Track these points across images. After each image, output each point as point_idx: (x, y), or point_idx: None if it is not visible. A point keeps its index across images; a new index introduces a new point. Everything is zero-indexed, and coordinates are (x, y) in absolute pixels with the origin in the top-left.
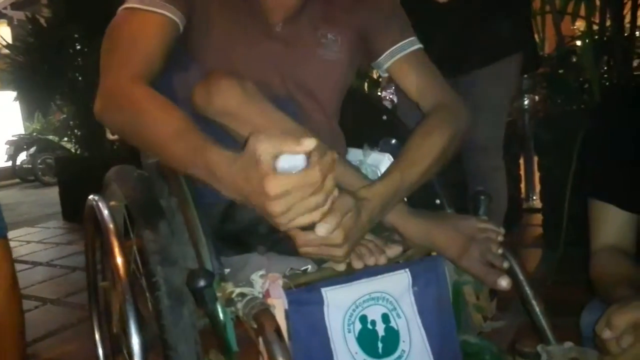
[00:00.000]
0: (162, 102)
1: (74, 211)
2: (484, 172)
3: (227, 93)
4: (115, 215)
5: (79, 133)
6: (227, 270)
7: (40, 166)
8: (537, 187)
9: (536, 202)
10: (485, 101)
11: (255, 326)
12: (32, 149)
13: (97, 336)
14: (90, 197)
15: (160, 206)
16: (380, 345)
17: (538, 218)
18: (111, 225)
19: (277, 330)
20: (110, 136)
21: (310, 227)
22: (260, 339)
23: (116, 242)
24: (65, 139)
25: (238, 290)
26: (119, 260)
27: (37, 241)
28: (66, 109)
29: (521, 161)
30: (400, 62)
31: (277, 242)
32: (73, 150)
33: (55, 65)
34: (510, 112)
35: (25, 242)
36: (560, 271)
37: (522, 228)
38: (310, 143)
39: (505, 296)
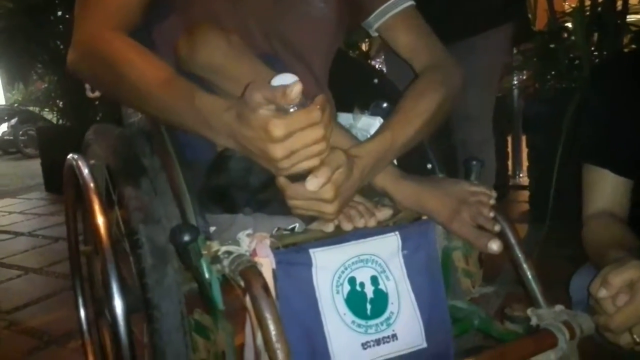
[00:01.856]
0: (144, 52)
1: (57, 182)
2: (473, 143)
3: (213, 46)
4: (97, 175)
5: (60, 103)
6: (212, 229)
7: (22, 138)
8: (524, 164)
9: (523, 179)
10: (474, 72)
11: (241, 283)
12: (13, 120)
13: (79, 300)
14: (70, 156)
15: (142, 164)
16: (369, 306)
17: (524, 195)
18: (92, 184)
19: (265, 286)
20: (90, 94)
21: (302, 178)
22: (247, 296)
23: (97, 201)
24: (47, 109)
25: (224, 248)
26: (100, 219)
27: (19, 212)
28: (47, 78)
29: (509, 138)
30: (392, 20)
31: (264, 202)
32: (55, 121)
33: (36, 32)
34: (499, 88)
35: (7, 212)
36: (546, 246)
37: (509, 204)
38: (296, 85)
39: (494, 265)
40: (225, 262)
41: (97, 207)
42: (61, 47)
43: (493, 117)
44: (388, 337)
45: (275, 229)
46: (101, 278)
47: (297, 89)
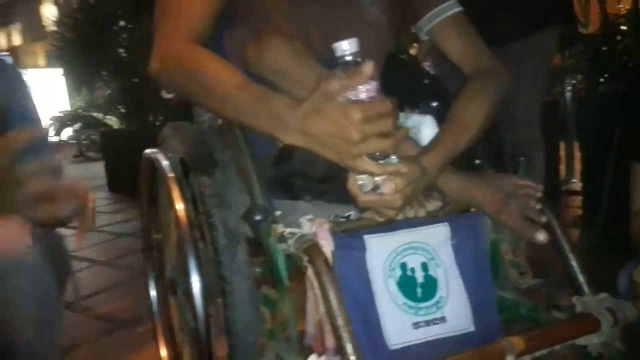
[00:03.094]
0: (219, 60)
1: (119, 183)
2: (520, 144)
3: (277, 51)
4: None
5: (122, 109)
6: (277, 213)
7: (85, 142)
8: (577, 170)
9: (576, 184)
10: (520, 74)
11: (305, 259)
12: (77, 125)
13: (151, 284)
14: (148, 150)
15: (215, 157)
16: (419, 290)
17: (577, 200)
18: (171, 174)
19: (326, 262)
20: (165, 95)
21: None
22: (310, 270)
23: (176, 189)
24: (110, 114)
25: (289, 230)
26: (180, 205)
27: None
28: (111, 85)
29: (561, 143)
30: (441, 25)
31: (323, 192)
32: (117, 126)
33: (102, 42)
34: (549, 91)
35: None
36: (599, 250)
37: (561, 210)
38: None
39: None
40: (291, 242)
41: (176, 194)
42: (124, 55)
43: (545, 122)
44: (437, 319)
45: (333, 215)
46: (174, 261)
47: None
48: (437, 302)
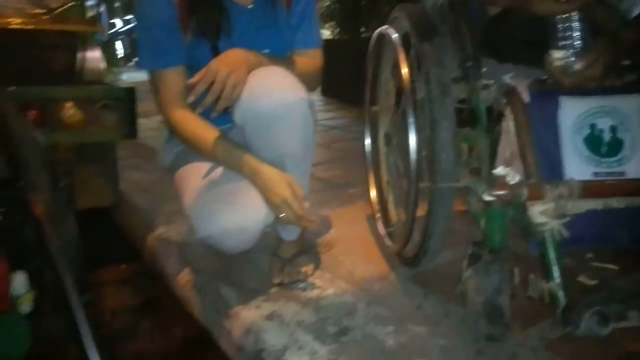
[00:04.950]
0: None
1: (331, 88)
2: None
3: None
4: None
5: (337, 21)
6: (484, 69)
7: None
8: None
9: None
10: None
11: (504, 100)
12: None
13: (367, 139)
14: (379, 29)
15: (435, 28)
16: (604, 148)
17: None
18: (399, 41)
19: (522, 101)
20: None
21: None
22: (508, 110)
23: (403, 54)
24: (326, 28)
25: (492, 81)
26: (405, 70)
27: None
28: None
29: None
30: None
31: (525, 58)
32: (332, 37)
33: None
34: None
35: None
36: None
37: None
38: None
39: None
40: (493, 87)
41: (402, 57)
42: None
43: None
44: (617, 172)
45: (533, 78)
46: (390, 122)
47: None
48: (620, 160)
